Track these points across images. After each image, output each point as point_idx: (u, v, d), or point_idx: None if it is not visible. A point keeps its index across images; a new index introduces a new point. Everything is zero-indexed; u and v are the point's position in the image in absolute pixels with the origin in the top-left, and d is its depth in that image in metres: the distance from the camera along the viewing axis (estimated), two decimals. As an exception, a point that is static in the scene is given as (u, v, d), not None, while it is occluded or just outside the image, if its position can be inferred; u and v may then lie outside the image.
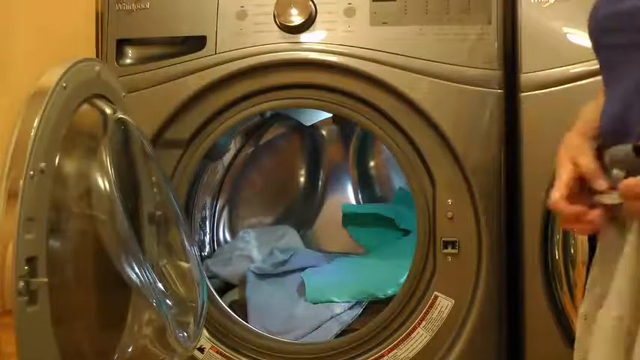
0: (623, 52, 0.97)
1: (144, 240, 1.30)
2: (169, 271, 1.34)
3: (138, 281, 1.17)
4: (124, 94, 1.33)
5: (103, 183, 1.16)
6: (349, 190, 2.01)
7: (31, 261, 1.00)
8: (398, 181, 1.96)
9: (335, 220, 1.93)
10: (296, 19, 1.48)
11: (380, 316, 1.48)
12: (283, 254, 1.79)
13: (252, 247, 1.81)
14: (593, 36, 1.04)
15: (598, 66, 1.04)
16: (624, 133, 0.94)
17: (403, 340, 1.45)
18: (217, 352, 1.51)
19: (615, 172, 0.90)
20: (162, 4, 1.54)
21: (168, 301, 1.24)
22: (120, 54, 1.54)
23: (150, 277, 1.18)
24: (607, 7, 1.00)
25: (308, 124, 1.90)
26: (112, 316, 1.25)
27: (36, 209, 1.01)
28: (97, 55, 1.54)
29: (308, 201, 2.00)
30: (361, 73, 1.46)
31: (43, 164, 1.03)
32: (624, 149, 0.90)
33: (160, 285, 1.23)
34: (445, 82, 1.44)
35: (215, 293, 1.56)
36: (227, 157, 1.86)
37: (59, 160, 1.09)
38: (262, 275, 1.73)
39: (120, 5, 1.54)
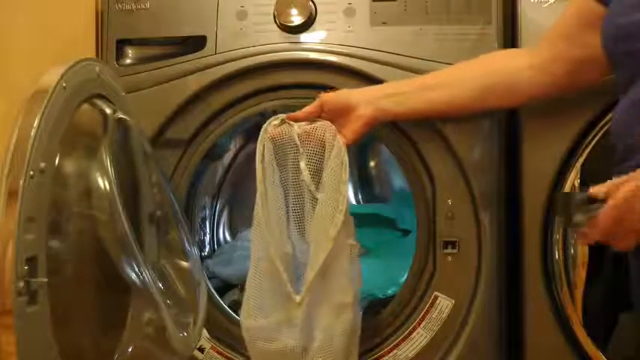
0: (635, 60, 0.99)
1: (144, 240, 1.30)
2: (169, 271, 1.34)
3: (138, 281, 1.17)
4: (123, 94, 1.33)
5: (103, 183, 1.16)
6: (349, 190, 2.01)
7: (31, 261, 1.00)
8: (398, 181, 1.95)
9: (335, 220, 1.92)
10: (296, 19, 1.48)
11: (380, 316, 1.48)
12: (283, 254, 1.79)
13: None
14: (607, 44, 1.06)
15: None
16: (627, 134, 0.95)
17: (403, 340, 1.45)
18: (217, 352, 1.51)
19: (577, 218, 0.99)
20: (162, 4, 1.54)
21: (168, 301, 1.24)
22: (120, 54, 1.54)
23: (150, 277, 1.18)
24: (621, 18, 1.01)
25: (308, 124, 1.90)
26: (112, 316, 1.25)
27: (36, 209, 1.01)
28: (97, 55, 1.54)
29: (308, 201, 1.99)
30: (361, 73, 1.46)
31: (43, 164, 1.03)
32: (580, 196, 0.97)
33: (159, 285, 1.23)
34: (445, 82, 1.43)
35: (215, 293, 1.56)
36: (227, 157, 1.86)
37: (59, 160, 1.09)
38: (262, 275, 1.73)
39: (120, 5, 1.53)
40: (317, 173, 1.31)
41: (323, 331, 1.27)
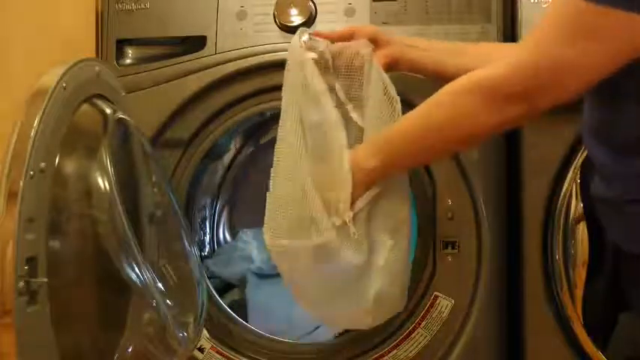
0: None
1: (144, 240, 1.30)
2: (169, 271, 1.34)
3: (138, 281, 1.17)
4: (123, 94, 1.33)
5: (103, 183, 1.16)
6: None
7: (31, 261, 1.00)
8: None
9: (335, 220, 1.92)
10: (296, 19, 1.48)
11: (380, 316, 1.48)
12: (283, 254, 1.79)
13: (252, 247, 1.81)
14: None
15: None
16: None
17: (403, 340, 1.45)
18: (217, 352, 1.51)
19: None
20: (162, 4, 1.54)
21: (168, 301, 1.24)
22: (120, 54, 1.54)
23: (150, 277, 1.18)
24: None
25: (308, 124, 1.90)
26: (112, 316, 1.25)
27: (36, 209, 1.01)
28: (97, 55, 1.54)
29: (308, 201, 1.99)
30: (361, 73, 1.45)
31: (43, 164, 1.03)
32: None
33: (160, 285, 1.23)
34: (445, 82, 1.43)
35: (215, 293, 1.56)
36: (227, 157, 1.86)
37: (59, 160, 1.09)
38: (262, 275, 1.73)
39: (120, 5, 1.54)
40: (352, 95, 1.20)
41: (385, 249, 1.15)
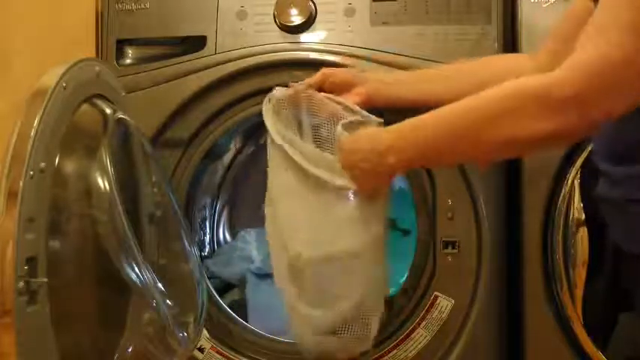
0: None
1: (144, 240, 1.30)
2: (169, 271, 1.35)
3: (138, 281, 1.17)
4: (123, 94, 1.34)
5: (103, 183, 1.16)
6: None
7: (31, 261, 1.00)
8: (398, 181, 1.95)
9: (335, 220, 1.92)
10: (296, 19, 1.48)
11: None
12: (283, 254, 1.78)
13: (252, 247, 1.81)
14: None
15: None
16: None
17: (403, 340, 1.45)
18: (217, 352, 1.51)
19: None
20: (162, 4, 1.54)
21: (168, 301, 1.24)
22: (120, 54, 1.54)
23: (150, 277, 1.18)
24: None
25: (308, 124, 1.89)
26: (112, 316, 1.25)
27: (36, 209, 1.01)
28: (97, 55, 1.55)
29: (308, 201, 1.99)
30: (361, 73, 1.45)
31: (43, 164, 1.03)
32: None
33: (159, 285, 1.23)
34: (445, 82, 1.43)
35: (215, 293, 1.56)
36: (227, 157, 1.86)
37: (59, 160, 1.09)
38: (262, 276, 1.73)
39: (120, 5, 1.54)
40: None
41: None
